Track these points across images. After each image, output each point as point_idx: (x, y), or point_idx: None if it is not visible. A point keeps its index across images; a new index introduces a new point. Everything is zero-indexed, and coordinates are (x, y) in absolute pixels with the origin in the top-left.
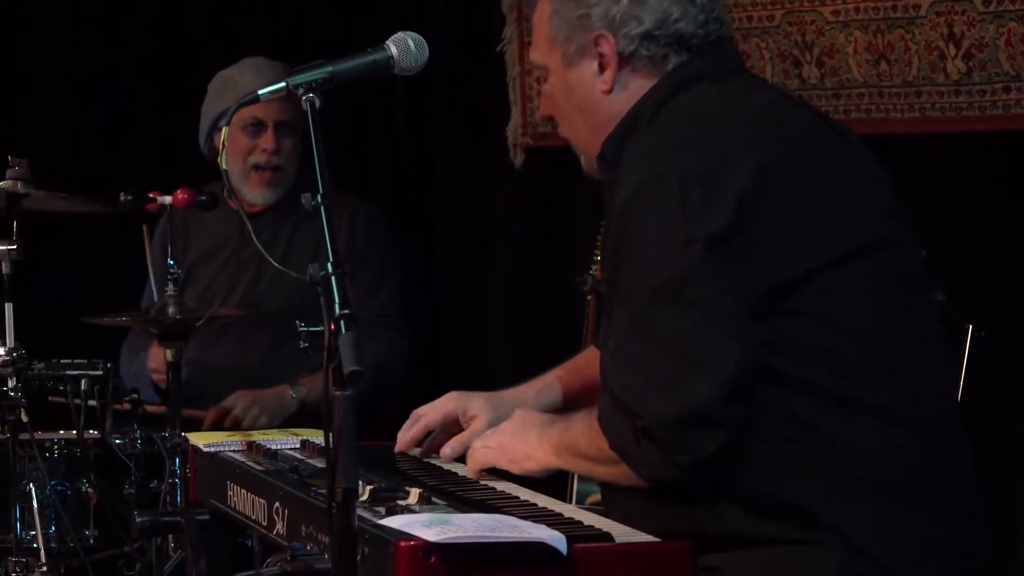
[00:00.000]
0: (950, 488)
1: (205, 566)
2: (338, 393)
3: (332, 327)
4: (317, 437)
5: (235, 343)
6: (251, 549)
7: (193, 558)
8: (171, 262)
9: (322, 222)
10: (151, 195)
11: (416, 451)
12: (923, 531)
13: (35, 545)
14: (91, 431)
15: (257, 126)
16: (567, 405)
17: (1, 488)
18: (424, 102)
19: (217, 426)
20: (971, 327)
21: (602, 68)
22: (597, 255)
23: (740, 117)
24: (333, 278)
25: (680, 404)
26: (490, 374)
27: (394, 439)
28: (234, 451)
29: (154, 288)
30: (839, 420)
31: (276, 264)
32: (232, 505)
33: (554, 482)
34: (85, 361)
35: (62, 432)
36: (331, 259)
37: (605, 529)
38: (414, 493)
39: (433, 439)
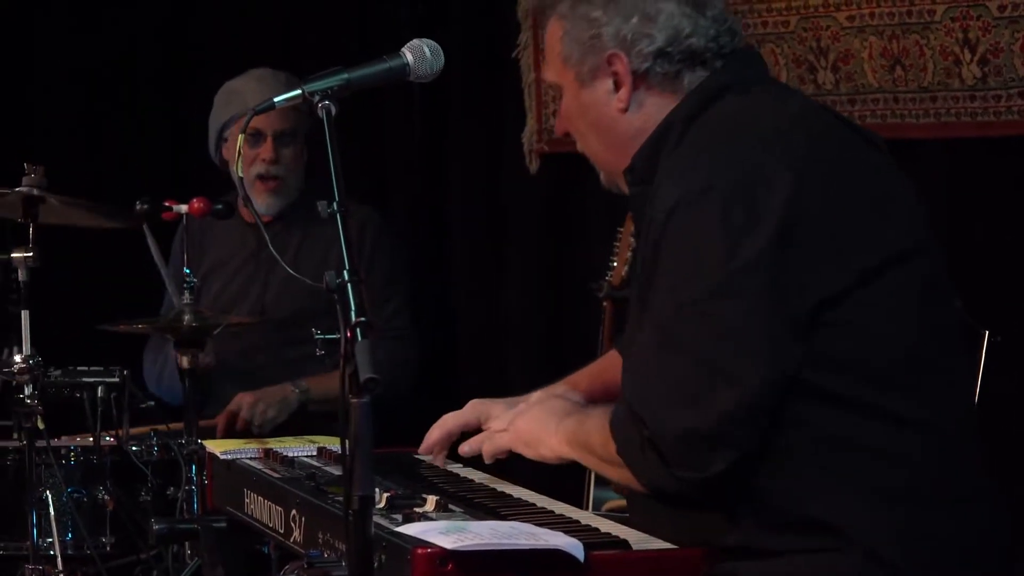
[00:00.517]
0: (968, 492)
1: (222, 573)
2: (355, 400)
3: (348, 334)
4: (334, 444)
5: (243, 349)
6: (268, 556)
7: (210, 565)
8: (187, 270)
9: (338, 229)
10: (167, 203)
11: (428, 457)
12: (941, 535)
13: (52, 552)
14: (107, 438)
15: (256, 136)
16: None
17: (18, 495)
18: (440, 109)
19: (230, 432)
20: (987, 332)
21: (617, 87)
22: (613, 261)
23: (773, 130)
24: (350, 285)
25: (691, 421)
26: (506, 379)
27: (406, 445)
28: (251, 458)
29: (171, 290)
30: (865, 428)
31: (291, 271)
32: (249, 512)
33: (570, 489)
34: (101, 368)
35: (78, 439)
36: (347, 266)
37: (622, 536)
38: (431, 500)
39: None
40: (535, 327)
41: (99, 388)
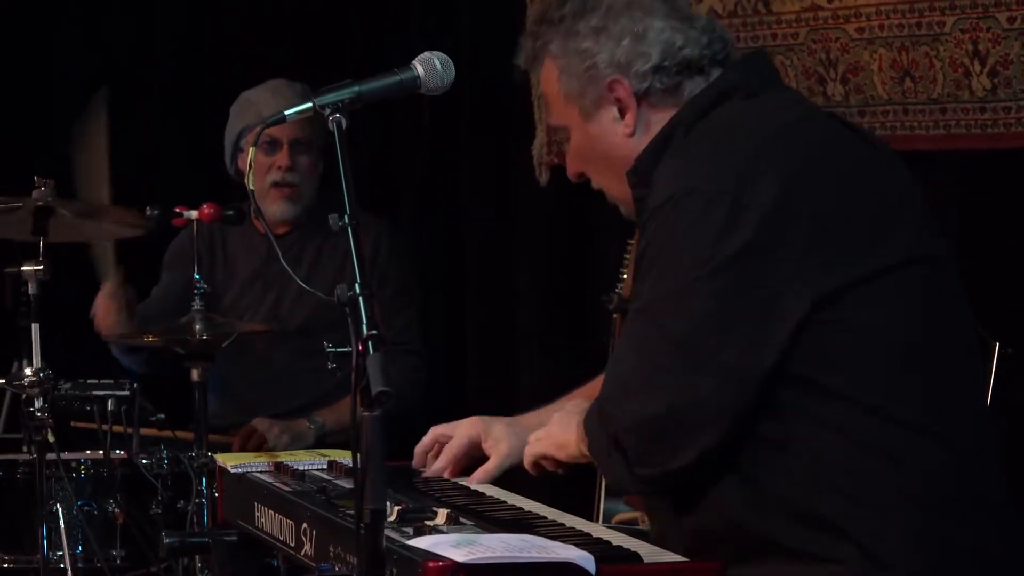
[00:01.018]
0: (979, 499)
1: None
2: (366, 414)
3: (360, 348)
4: (345, 457)
5: (255, 360)
6: (278, 570)
7: None
8: (197, 276)
9: (349, 242)
10: (177, 209)
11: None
12: (952, 541)
13: (62, 566)
14: (118, 451)
15: (273, 144)
16: None
17: (28, 508)
18: (450, 121)
19: (245, 448)
20: (998, 343)
21: (622, 113)
22: (623, 273)
23: (767, 133)
24: (361, 299)
25: (652, 411)
26: (516, 392)
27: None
28: (261, 472)
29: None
30: (872, 431)
31: (302, 283)
32: (260, 526)
33: (581, 501)
34: (112, 381)
35: (89, 452)
36: (359, 279)
37: (633, 549)
38: (442, 513)
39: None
40: (546, 339)
41: (109, 401)
